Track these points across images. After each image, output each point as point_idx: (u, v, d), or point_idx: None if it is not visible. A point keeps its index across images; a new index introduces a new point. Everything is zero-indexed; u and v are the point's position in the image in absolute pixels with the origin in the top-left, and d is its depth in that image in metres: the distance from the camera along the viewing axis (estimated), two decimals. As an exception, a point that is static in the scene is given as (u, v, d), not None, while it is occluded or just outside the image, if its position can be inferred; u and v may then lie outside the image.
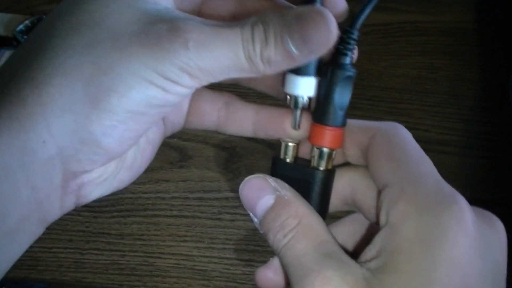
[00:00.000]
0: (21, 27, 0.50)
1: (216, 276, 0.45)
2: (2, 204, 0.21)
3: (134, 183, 0.48)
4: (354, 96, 0.51)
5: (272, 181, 0.24)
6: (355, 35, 0.24)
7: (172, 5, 0.24)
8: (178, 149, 0.48)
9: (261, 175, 0.25)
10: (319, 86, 0.25)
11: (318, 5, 0.23)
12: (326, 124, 0.24)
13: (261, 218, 0.24)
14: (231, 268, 0.45)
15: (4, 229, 0.22)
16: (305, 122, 0.25)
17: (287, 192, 0.24)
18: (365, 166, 0.25)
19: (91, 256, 0.45)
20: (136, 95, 0.21)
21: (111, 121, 0.21)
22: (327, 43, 0.22)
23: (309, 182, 0.25)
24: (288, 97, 0.25)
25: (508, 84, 0.49)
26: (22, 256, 0.46)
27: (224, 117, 0.28)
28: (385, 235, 0.22)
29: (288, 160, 0.26)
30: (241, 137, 0.48)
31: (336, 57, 0.24)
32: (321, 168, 0.25)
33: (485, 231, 0.23)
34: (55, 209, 0.23)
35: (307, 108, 0.25)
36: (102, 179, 0.24)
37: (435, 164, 0.51)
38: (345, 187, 0.26)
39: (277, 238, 0.23)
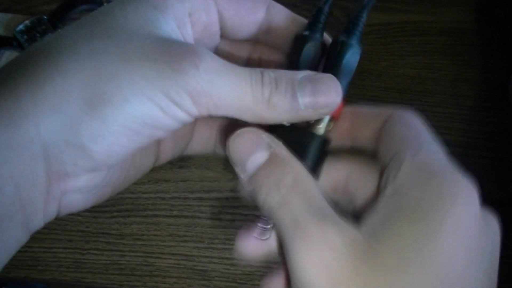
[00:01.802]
0: (21, 27, 0.50)
1: (216, 276, 0.45)
2: None
3: (134, 183, 0.48)
4: (354, 96, 0.51)
5: (265, 136, 0.23)
6: (364, 18, 0.26)
7: (191, 40, 0.24)
8: (178, 149, 0.48)
9: (254, 128, 0.23)
10: (327, 60, 0.25)
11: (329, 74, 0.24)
12: None
13: (251, 174, 0.23)
14: (231, 268, 0.45)
15: None
16: None
17: (281, 149, 0.23)
18: (365, 154, 0.25)
19: (91, 256, 0.45)
20: (132, 110, 0.21)
21: (100, 130, 0.21)
22: (331, 107, 0.23)
23: (305, 144, 0.25)
24: None
25: (508, 84, 0.49)
26: (22, 256, 0.46)
27: (222, 139, 0.28)
28: (388, 199, 0.21)
29: (286, 124, 0.25)
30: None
31: (346, 34, 0.26)
32: (319, 133, 0.25)
33: (488, 219, 0.23)
34: (39, 214, 0.23)
35: None
36: (86, 190, 0.23)
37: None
38: (339, 173, 0.25)
39: (271, 195, 0.22)
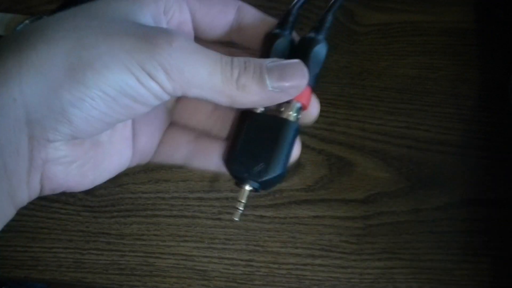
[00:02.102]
0: (21, 27, 0.50)
1: (216, 276, 0.45)
2: None
3: (134, 183, 0.48)
4: (354, 96, 0.51)
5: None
6: (331, 17, 0.29)
7: None
8: (178, 149, 0.48)
9: None
10: (296, 53, 0.27)
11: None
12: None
13: None
14: (231, 268, 0.45)
15: None
16: None
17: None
18: None
19: (91, 256, 0.45)
20: (111, 76, 0.22)
21: (81, 94, 0.22)
22: (298, 88, 0.25)
23: (277, 130, 0.26)
24: None
25: (508, 84, 0.48)
26: (22, 256, 0.46)
27: (193, 151, 0.29)
28: None
29: (258, 111, 0.27)
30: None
31: (315, 31, 0.28)
32: (292, 119, 0.26)
33: None
34: (23, 186, 0.23)
35: None
36: (67, 161, 0.24)
37: (435, 164, 0.51)
38: None
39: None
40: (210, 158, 0.29)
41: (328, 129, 0.49)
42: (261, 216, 0.46)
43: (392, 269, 0.45)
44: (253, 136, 0.27)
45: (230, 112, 0.29)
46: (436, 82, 0.50)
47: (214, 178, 0.47)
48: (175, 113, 0.30)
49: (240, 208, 0.27)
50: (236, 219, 0.27)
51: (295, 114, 0.27)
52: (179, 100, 0.30)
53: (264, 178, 0.26)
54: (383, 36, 0.52)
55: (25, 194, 0.24)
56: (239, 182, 0.27)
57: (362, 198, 0.47)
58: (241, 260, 0.45)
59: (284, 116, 0.26)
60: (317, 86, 0.28)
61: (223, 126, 0.29)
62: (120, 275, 0.45)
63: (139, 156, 0.29)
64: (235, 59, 0.24)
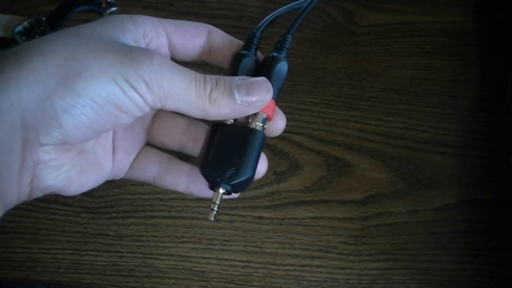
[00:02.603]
0: (19, 28, 0.50)
1: (215, 277, 0.45)
2: None
3: (132, 184, 0.48)
4: (352, 97, 0.51)
5: None
6: (290, 38, 0.32)
7: None
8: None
9: None
10: (260, 70, 0.31)
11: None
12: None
13: None
14: (230, 269, 0.45)
15: None
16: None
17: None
18: None
19: (90, 257, 0.45)
20: (99, 85, 0.25)
21: (72, 100, 0.25)
22: (264, 102, 0.28)
23: (246, 139, 0.30)
24: None
25: (506, 84, 0.49)
26: (21, 257, 0.46)
27: (163, 171, 0.32)
28: None
29: (228, 122, 0.31)
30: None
31: (276, 51, 0.32)
32: (258, 129, 0.30)
33: None
34: (13, 187, 0.25)
35: None
36: (55, 164, 0.27)
37: (433, 165, 0.51)
38: None
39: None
40: (179, 179, 0.32)
41: (327, 130, 0.49)
42: (259, 217, 0.46)
43: (390, 270, 0.45)
44: (224, 144, 0.30)
45: (201, 132, 0.33)
46: (434, 83, 0.50)
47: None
48: (151, 133, 0.33)
49: (215, 209, 0.30)
50: (212, 219, 0.30)
51: (261, 124, 0.30)
52: (154, 121, 0.33)
53: (235, 181, 0.30)
54: (381, 37, 0.52)
55: (15, 195, 0.26)
56: (213, 186, 0.30)
57: (360, 199, 0.47)
58: (240, 261, 0.45)
59: (252, 126, 0.30)
60: (279, 98, 0.31)
61: (194, 145, 0.33)
62: (119, 276, 0.45)
63: (116, 170, 0.32)
64: (207, 76, 0.27)
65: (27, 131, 0.25)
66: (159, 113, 0.33)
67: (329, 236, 0.46)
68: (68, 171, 0.28)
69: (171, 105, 0.27)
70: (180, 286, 0.45)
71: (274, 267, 0.45)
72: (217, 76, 0.28)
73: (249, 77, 0.29)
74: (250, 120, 0.30)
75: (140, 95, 0.26)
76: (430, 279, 0.45)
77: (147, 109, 0.27)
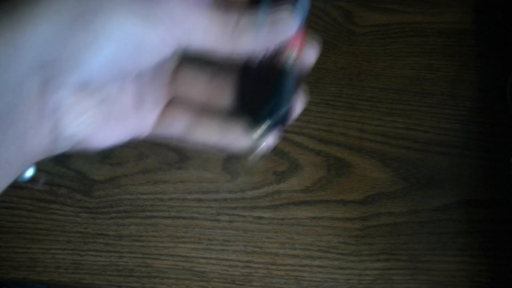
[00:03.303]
0: None
1: (215, 278, 0.45)
2: None
3: (132, 184, 0.48)
4: (352, 97, 0.51)
5: None
6: None
7: None
8: (177, 150, 0.48)
9: None
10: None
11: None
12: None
13: None
14: (230, 269, 0.45)
15: None
16: None
17: None
18: None
19: (89, 257, 0.45)
20: (119, 20, 0.23)
21: (92, 33, 0.23)
22: (288, 30, 0.27)
23: (278, 71, 0.28)
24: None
25: (506, 84, 0.49)
26: (21, 257, 0.46)
27: (193, 123, 0.30)
28: None
29: (256, 59, 0.29)
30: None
31: None
32: (288, 60, 0.28)
33: None
34: (32, 134, 0.24)
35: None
36: (78, 110, 0.25)
37: (433, 165, 0.51)
38: None
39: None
40: (211, 131, 0.30)
41: (327, 130, 0.49)
42: (260, 217, 0.46)
43: (390, 270, 0.45)
44: (256, 82, 0.29)
45: (227, 81, 0.30)
46: (434, 83, 0.50)
47: (212, 179, 0.47)
48: (174, 87, 0.31)
49: (256, 151, 0.29)
50: (256, 160, 0.29)
51: (290, 55, 0.28)
52: (177, 74, 0.31)
53: (274, 116, 0.28)
54: (381, 37, 0.52)
55: (35, 145, 0.24)
56: (253, 125, 0.29)
57: (360, 199, 0.47)
58: (240, 261, 0.45)
59: (281, 58, 0.28)
60: (305, 27, 0.30)
61: (222, 93, 0.30)
62: (119, 276, 0.45)
63: (141, 125, 0.30)
64: (230, 8, 0.26)
65: (46, 71, 0.23)
66: (181, 66, 0.31)
67: (329, 236, 0.46)
68: (91, 119, 0.26)
69: (196, 41, 0.25)
70: (180, 286, 0.45)
71: (274, 267, 0.45)
72: (239, 10, 0.26)
73: (272, 7, 0.27)
74: (278, 53, 0.29)
75: (163, 29, 0.24)
76: (430, 279, 0.45)
77: (170, 46, 0.25)
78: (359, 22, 0.52)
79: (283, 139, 0.48)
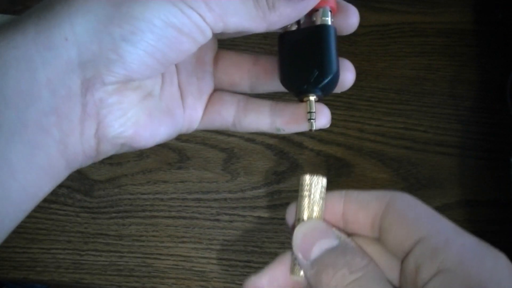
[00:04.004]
0: None
1: (215, 277, 0.45)
2: (20, 97, 0.22)
3: (132, 184, 0.48)
4: (352, 97, 0.51)
5: (334, 229, 0.24)
6: None
7: None
8: (177, 150, 0.48)
9: (321, 222, 0.25)
10: None
11: None
12: None
13: (316, 256, 0.23)
14: (230, 269, 0.45)
15: (24, 137, 0.22)
16: None
17: (350, 240, 0.24)
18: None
19: (90, 257, 0.45)
20: (156, 6, 0.23)
21: (130, 26, 0.23)
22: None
23: (318, 36, 0.27)
24: None
25: (506, 84, 0.49)
26: (21, 257, 0.46)
27: (242, 110, 0.29)
28: (443, 280, 0.21)
29: (293, 28, 0.28)
30: (240, 138, 0.48)
31: None
32: (326, 23, 0.28)
33: None
34: (75, 137, 0.23)
35: None
36: (122, 107, 0.24)
37: (432, 165, 0.51)
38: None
39: (341, 274, 0.22)
40: (261, 116, 0.30)
41: (326, 130, 0.49)
42: (260, 217, 0.46)
43: (390, 270, 0.45)
44: (298, 51, 0.28)
45: (271, 62, 0.30)
46: (434, 83, 0.50)
47: (212, 179, 0.47)
48: (217, 75, 0.31)
49: (313, 118, 0.29)
50: (313, 129, 0.29)
51: (327, 18, 0.28)
52: (217, 61, 0.31)
53: (323, 82, 0.28)
54: (381, 37, 0.52)
55: (79, 148, 0.24)
56: (301, 95, 0.28)
57: (360, 199, 0.47)
58: (240, 261, 0.45)
59: (319, 22, 0.28)
60: None
61: (267, 76, 0.30)
62: (119, 276, 0.45)
63: (188, 118, 0.29)
64: None
65: (85, 69, 0.23)
66: (220, 53, 0.31)
67: (329, 236, 0.46)
68: (136, 116, 0.25)
69: (232, 22, 0.24)
70: (180, 286, 0.45)
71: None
72: None
73: None
74: (314, 19, 0.28)
75: (199, 14, 0.23)
76: (430, 279, 0.45)
77: (208, 30, 0.24)
78: (359, 22, 0.52)
79: (283, 139, 0.48)
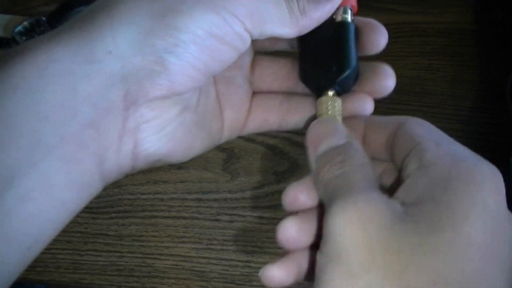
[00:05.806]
0: (19, 28, 0.50)
1: (215, 277, 0.45)
2: (60, 112, 0.21)
3: (132, 184, 0.48)
4: (352, 97, 0.51)
5: (345, 128, 0.25)
6: None
7: None
8: (177, 150, 0.48)
9: (336, 119, 0.26)
10: None
11: None
12: None
13: (322, 152, 0.24)
14: (230, 269, 0.45)
15: (62, 152, 0.21)
16: None
17: (357, 142, 0.24)
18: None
19: (90, 257, 0.45)
20: (199, 16, 0.23)
21: (173, 38, 0.22)
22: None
23: (337, 32, 0.28)
24: None
25: (506, 84, 0.49)
26: (21, 257, 0.46)
27: (286, 110, 0.30)
28: (417, 178, 0.22)
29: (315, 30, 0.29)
30: (240, 138, 0.48)
31: None
32: (345, 20, 0.28)
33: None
34: (112, 153, 0.23)
35: None
36: (159, 123, 0.24)
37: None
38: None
39: (333, 169, 0.23)
40: (307, 114, 0.29)
41: (327, 130, 0.49)
42: (260, 217, 0.46)
43: (390, 270, 0.45)
44: (318, 47, 0.28)
45: None
46: (434, 83, 0.50)
47: (212, 179, 0.47)
48: (254, 82, 0.31)
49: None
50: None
51: (347, 16, 0.28)
52: (254, 68, 0.30)
53: (341, 77, 0.28)
54: (381, 37, 0.52)
55: (114, 164, 0.23)
56: (320, 91, 0.28)
57: (360, 199, 0.47)
58: (240, 261, 0.45)
59: (339, 20, 0.28)
60: None
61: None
62: (119, 276, 0.45)
63: (229, 128, 0.29)
64: None
65: (128, 83, 0.22)
66: (256, 60, 0.31)
67: (329, 236, 0.46)
68: (173, 133, 0.25)
69: (268, 28, 0.25)
70: (180, 286, 0.45)
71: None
72: None
73: None
74: (334, 17, 0.28)
75: (240, 21, 0.23)
76: (430, 279, 0.45)
77: (247, 38, 0.24)
78: (359, 22, 0.52)
79: (283, 139, 0.48)
